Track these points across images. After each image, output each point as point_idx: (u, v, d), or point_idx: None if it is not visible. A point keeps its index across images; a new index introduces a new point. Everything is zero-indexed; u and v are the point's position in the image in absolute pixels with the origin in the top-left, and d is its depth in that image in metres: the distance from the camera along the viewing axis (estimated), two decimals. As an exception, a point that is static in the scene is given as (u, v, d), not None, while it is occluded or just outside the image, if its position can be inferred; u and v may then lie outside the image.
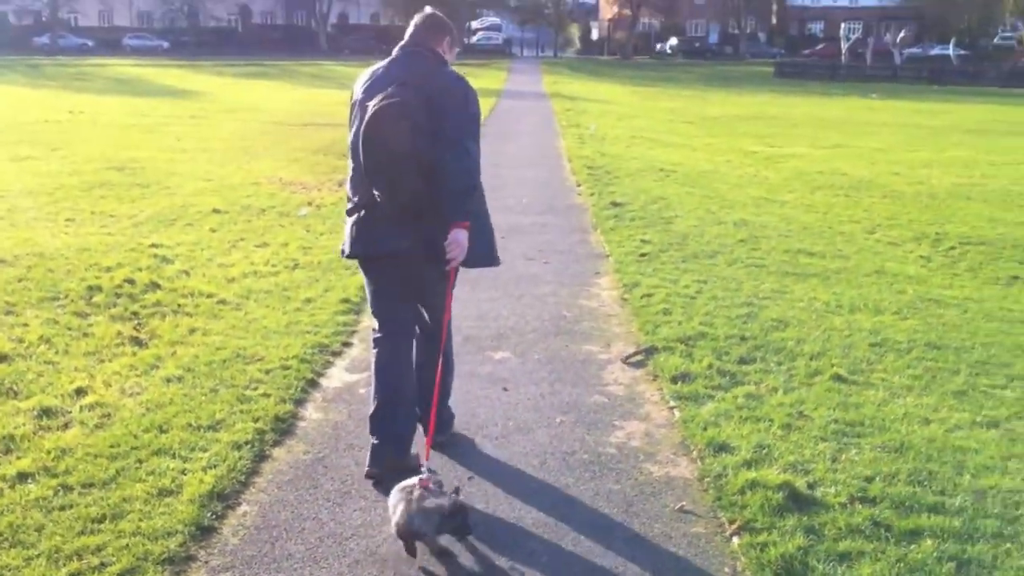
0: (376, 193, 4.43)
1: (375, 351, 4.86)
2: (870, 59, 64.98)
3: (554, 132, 23.29)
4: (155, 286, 7.90)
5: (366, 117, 4.36)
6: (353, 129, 4.56)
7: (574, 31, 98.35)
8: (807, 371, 6.17)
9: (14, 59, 60.27)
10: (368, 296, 4.93)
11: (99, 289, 7.71)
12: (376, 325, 4.87)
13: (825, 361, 6.36)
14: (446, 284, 4.63)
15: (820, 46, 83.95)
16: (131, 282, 7.93)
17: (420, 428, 4.91)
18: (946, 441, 5.13)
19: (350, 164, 4.69)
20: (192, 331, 6.76)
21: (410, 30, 4.70)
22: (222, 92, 37.01)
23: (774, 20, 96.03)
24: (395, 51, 4.70)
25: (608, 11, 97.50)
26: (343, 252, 4.80)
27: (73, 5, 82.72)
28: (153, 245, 9.40)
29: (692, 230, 10.90)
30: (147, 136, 20.04)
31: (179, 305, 7.42)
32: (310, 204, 12.13)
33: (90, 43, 78.44)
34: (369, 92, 4.50)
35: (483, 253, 4.66)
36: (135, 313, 7.20)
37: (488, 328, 7.13)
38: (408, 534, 3.91)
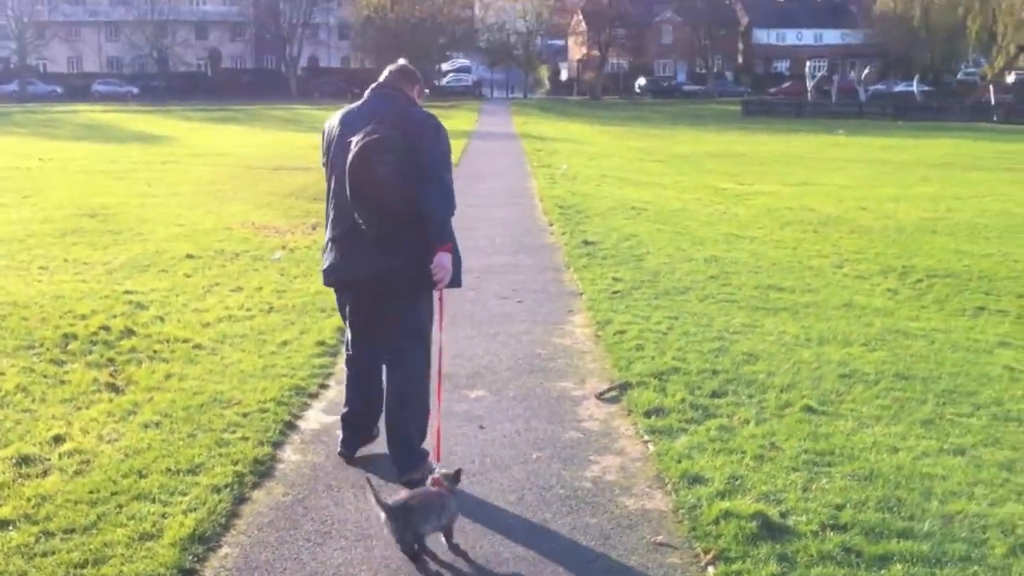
0: (360, 221, 4.80)
1: (347, 367, 5.42)
2: (835, 96, 65.91)
3: (525, 172, 23.50)
4: (130, 332, 7.92)
5: (352, 151, 4.72)
6: (332, 164, 5.00)
7: (544, 72, 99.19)
8: (778, 403, 6.27)
9: (-17, 107, 60.13)
10: (347, 316, 5.34)
11: (74, 337, 7.72)
12: (349, 343, 5.36)
13: (795, 393, 6.48)
14: (422, 306, 5.11)
15: (786, 84, 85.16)
16: (106, 329, 7.95)
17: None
18: (914, 469, 5.23)
19: (329, 197, 5.08)
20: (168, 376, 6.79)
21: (384, 75, 5.14)
22: (192, 137, 37.09)
23: (740, 59, 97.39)
24: (367, 93, 5.11)
25: (577, 52, 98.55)
26: (325, 280, 5.22)
27: (42, 52, 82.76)
28: (127, 292, 9.42)
29: (663, 267, 11.04)
30: (118, 182, 20.06)
31: (155, 351, 7.45)
32: (283, 248, 12.19)
33: (59, 89, 78.41)
34: (349, 129, 4.89)
35: (455, 273, 5.01)
36: (111, 360, 7.21)
37: (463, 366, 7.20)
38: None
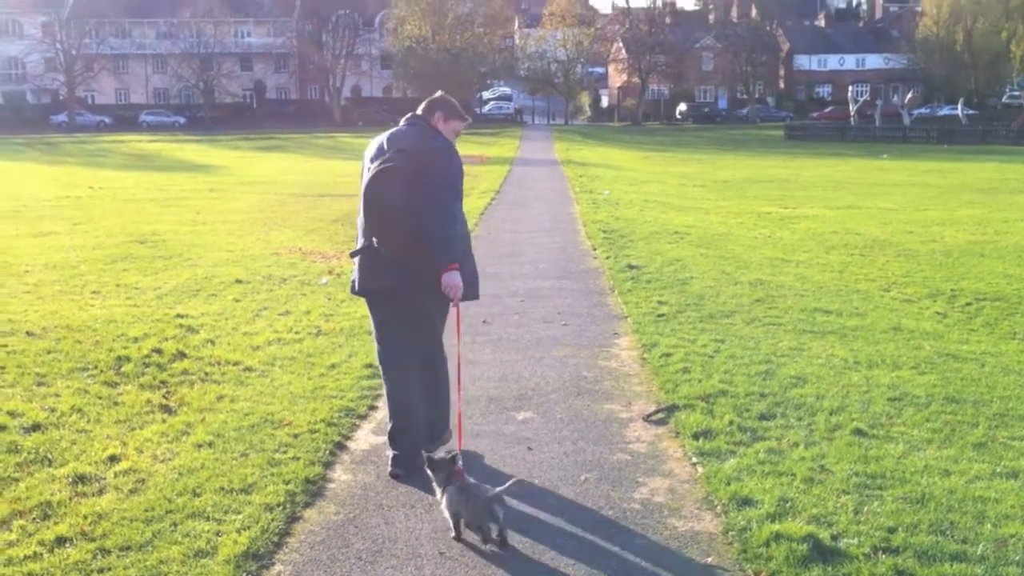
0: (374, 239, 5.32)
1: (385, 380, 5.75)
2: (879, 120, 65.52)
3: (568, 198, 23.56)
4: (182, 355, 8.04)
5: (368, 176, 5.30)
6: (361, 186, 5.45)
7: (584, 99, 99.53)
8: (827, 426, 6.24)
9: (33, 138, 61.36)
10: (374, 330, 5.82)
11: (127, 359, 7.86)
12: (381, 354, 5.74)
13: (845, 416, 6.43)
14: (441, 318, 5.69)
15: (828, 109, 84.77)
16: (158, 352, 8.07)
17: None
18: (967, 492, 5.18)
19: (360, 216, 5.55)
20: (220, 398, 6.88)
21: (425, 109, 5.65)
22: (239, 165, 37.59)
23: (782, 84, 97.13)
24: (402, 122, 5.66)
25: (618, 79, 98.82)
26: (352, 288, 5.73)
27: (90, 84, 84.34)
28: (178, 315, 9.57)
29: (708, 291, 11.02)
30: (167, 210, 20.38)
31: (206, 373, 7.56)
32: (330, 273, 12.31)
33: (107, 120, 79.93)
34: (375, 156, 5.42)
35: (472, 286, 5.55)
36: (163, 382, 7.33)
37: (510, 389, 7.23)
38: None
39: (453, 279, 5.28)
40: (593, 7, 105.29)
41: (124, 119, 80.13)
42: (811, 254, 14.29)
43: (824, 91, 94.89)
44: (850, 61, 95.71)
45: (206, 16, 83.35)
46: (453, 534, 4.72)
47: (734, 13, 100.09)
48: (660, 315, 9.70)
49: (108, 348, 8.18)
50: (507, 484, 4.78)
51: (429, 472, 4.91)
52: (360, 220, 5.54)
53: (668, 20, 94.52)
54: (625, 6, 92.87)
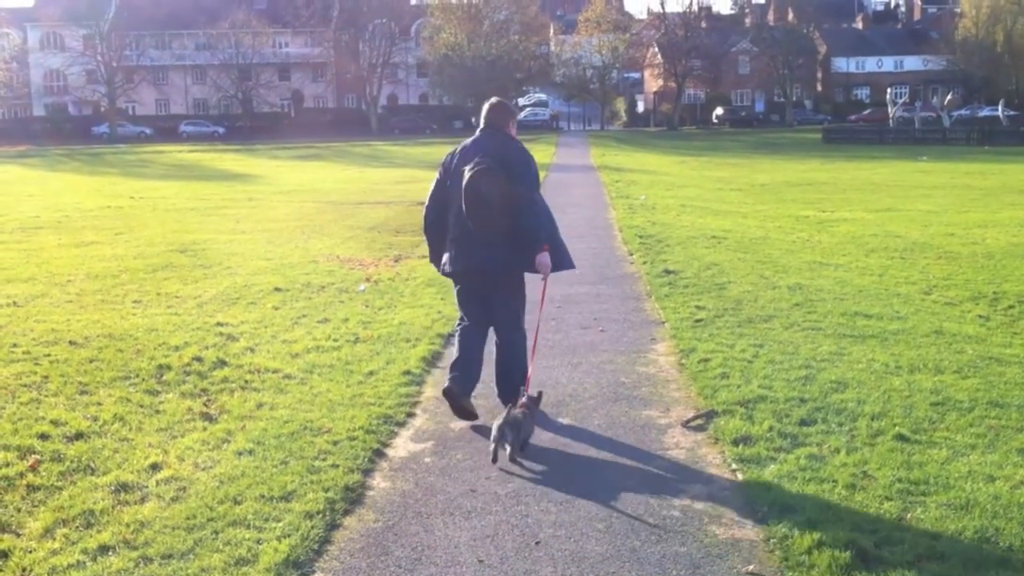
0: (473, 226, 6.38)
1: (458, 332, 6.86)
2: (918, 122, 64.87)
3: (604, 203, 23.54)
4: (222, 363, 8.11)
5: (466, 177, 6.33)
6: (451, 186, 6.58)
7: (620, 104, 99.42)
8: (869, 431, 6.17)
9: (75, 149, 62.22)
10: (456, 297, 6.97)
11: (168, 368, 7.93)
12: (460, 316, 6.91)
13: (887, 421, 6.36)
14: (517, 290, 6.78)
15: (867, 111, 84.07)
16: (199, 360, 8.15)
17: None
18: (1012, 498, 5.10)
19: (426, 211, 6.92)
20: (260, 406, 6.93)
21: (486, 114, 6.72)
22: (277, 174, 37.89)
23: (819, 87, 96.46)
24: (478, 132, 6.72)
25: (653, 84, 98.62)
26: (443, 271, 6.81)
27: (131, 95, 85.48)
28: (218, 324, 9.65)
29: (746, 295, 10.95)
30: (207, 219, 20.58)
31: (246, 381, 7.61)
32: (368, 280, 12.37)
33: (148, 131, 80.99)
34: (463, 159, 6.54)
35: (563, 260, 6.73)
36: (204, 390, 7.39)
37: (548, 395, 7.21)
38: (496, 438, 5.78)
39: (544, 259, 6.44)
40: (628, 12, 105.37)
41: (164, 130, 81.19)
42: (850, 257, 14.16)
43: (862, 93, 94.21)
44: (888, 63, 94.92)
45: (244, 27, 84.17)
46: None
47: (770, 16, 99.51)
48: (698, 320, 9.65)
49: (149, 356, 8.27)
50: (520, 406, 6.02)
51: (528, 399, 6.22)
52: (438, 216, 6.76)
53: (704, 24, 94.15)
54: (660, 11, 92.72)
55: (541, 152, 47.55)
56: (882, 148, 54.47)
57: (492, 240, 6.41)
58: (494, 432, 5.78)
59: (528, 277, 6.78)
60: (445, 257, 6.72)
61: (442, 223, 6.74)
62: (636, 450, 6.06)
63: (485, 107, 6.78)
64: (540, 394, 6.49)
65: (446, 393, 6.56)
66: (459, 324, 6.92)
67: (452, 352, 6.96)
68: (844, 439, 6.05)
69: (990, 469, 5.54)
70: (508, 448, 5.73)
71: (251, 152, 56.66)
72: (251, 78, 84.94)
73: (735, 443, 6.01)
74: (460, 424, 6.60)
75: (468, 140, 6.73)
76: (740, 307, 10.29)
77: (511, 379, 6.66)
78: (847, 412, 6.58)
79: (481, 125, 6.74)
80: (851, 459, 5.68)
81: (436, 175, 6.78)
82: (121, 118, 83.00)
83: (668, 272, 12.57)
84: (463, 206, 6.36)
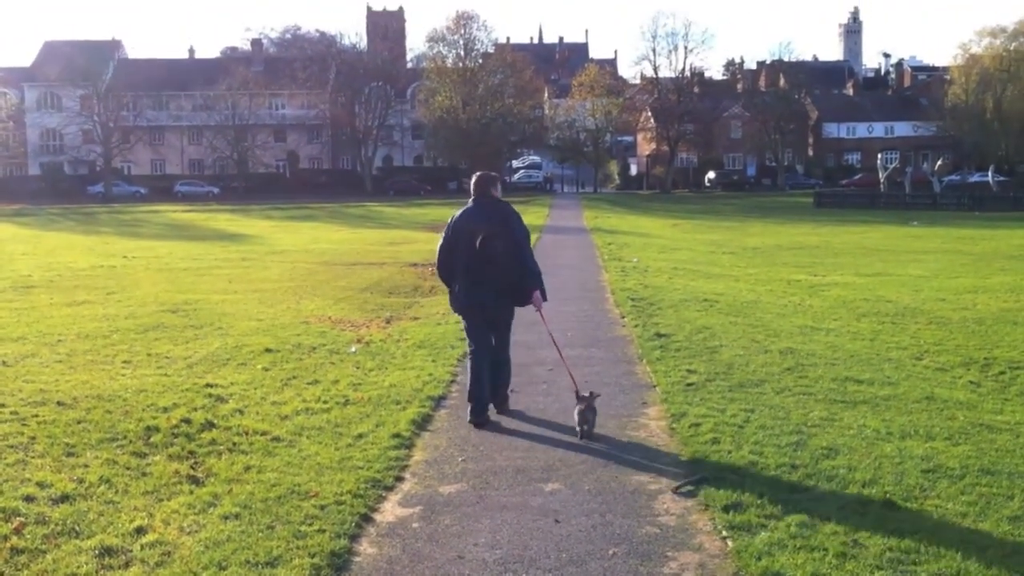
0: (484, 276, 8.29)
1: (470, 358, 8.61)
2: (909, 187, 65.39)
3: (596, 265, 23.60)
4: (210, 425, 8.06)
5: (479, 238, 8.22)
6: (460, 244, 8.35)
7: (613, 167, 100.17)
8: (860, 498, 6.14)
9: (69, 208, 62.41)
10: (465, 328, 8.82)
11: (156, 429, 7.88)
12: (470, 344, 8.66)
13: (878, 488, 6.33)
14: (510, 322, 8.79)
15: (858, 176, 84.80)
16: (187, 422, 8.10)
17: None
18: (1004, 568, 5.06)
19: (438, 264, 8.78)
20: (247, 468, 6.88)
21: (475, 185, 8.56)
22: (271, 235, 38.00)
23: (811, 152, 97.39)
24: (471, 201, 8.52)
25: (646, 147, 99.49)
26: (453, 307, 8.81)
27: (127, 155, 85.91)
28: (208, 385, 9.61)
29: (738, 359, 10.94)
30: (199, 279, 20.59)
31: (234, 443, 7.57)
32: (359, 341, 12.35)
33: (143, 191, 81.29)
34: (469, 223, 8.37)
35: (543, 294, 8.53)
36: (192, 452, 7.34)
37: (538, 459, 7.18)
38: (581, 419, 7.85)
39: (538, 297, 8.39)
40: (622, 77, 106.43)
41: (159, 189, 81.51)
42: (842, 322, 14.18)
43: (853, 158, 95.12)
44: (879, 129, 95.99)
45: (242, 89, 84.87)
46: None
47: (762, 82, 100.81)
48: (689, 384, 9.63)
49: (138, 418, 8.22)
50: (591, 397, 7.96)
51: (578, 396, 7.98)
52: (457, 266, 8.44)
53: (696, 89, 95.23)
54: (653, 76, 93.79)
55: (534, 214, 47.79)
56: (873, 212, 54.87)
57: (493, 284, 8.32)
58: (577, 417, 7.83)
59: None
60: (452, 298, 8.67)
61: (450, 269, 8.60)
62: (626, 516, 6.02)
63: (472, 180, 8.62)
64: (591, 395, 8.05)
65: (473, 424, 8.29)
66: (470, 350, 8.67)
67: (466, 378, 8.64)
68: (835, 506, 6.01)
69: (982, 538, 5.50)
70: (587, 427, 7.79)
71: (245, 212, 56.84)
72: (247, 139, 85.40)
73: (726, 509, 5.97)
74: (449, 489, 6.56)
75: (468, 205, 8.51)
76: (731, 371, 10.28)
77: (500, 390, 8.69)
78: (838, 479, 6.55)
79: (473, 195, 8.50)
80: (842, 527, 5.65)
81: (443, 234, 8.61)
82: (116, 178, 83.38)
83: (660, 335, 12.57)
84: (478, 259, 8.25)
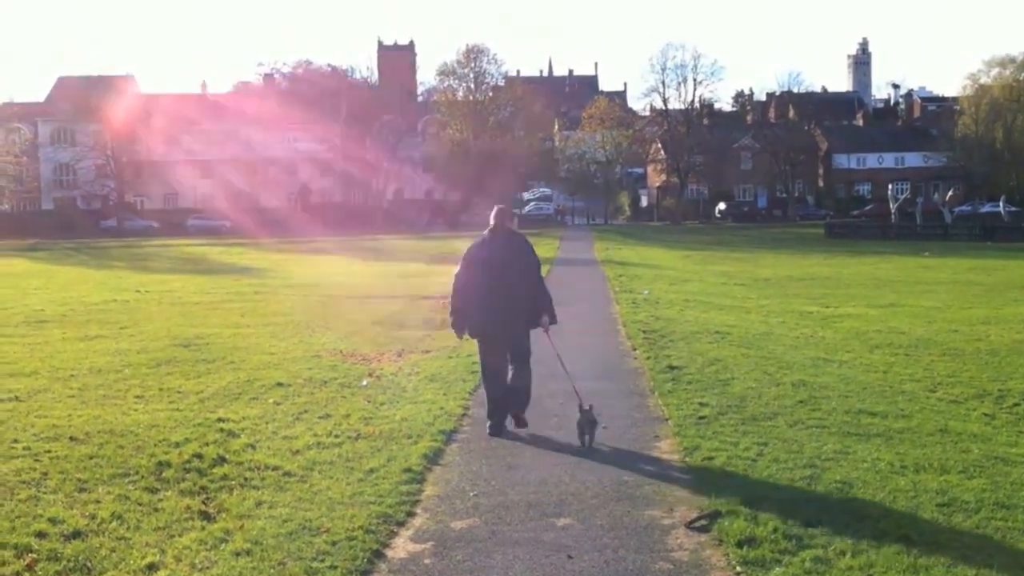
0: (502, 300, 9.02)
1: (484, 379, 9.49)
2: (920, 218, 65.33)
3: (608, 298, 23.59)
4: (222, 460, 8.06)
5: (497, 265, 9.03)
6: (479, 271, 9.09)
7: (624, 199, 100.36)
8: (874, 533, 6.10)
9: (82, 242, 62.73)
10: (479, 350, 9.49)
11: (168, 465, 7.88)
12: (483, 365, 9.44)
13: (892, 522, 6.29)
14: (527, 338, 9.30)
15: (869, 207, 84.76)
16: (199, 457, 8.10)
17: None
18: (1022, 603, 5.02)
19: (455, 290, 9.35)
20: (259, 504, 6.87)
21: (495, 217, 9.29)
22: (283, 268, 38.11)
23: (821, 183, 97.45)
24: (488, 232, 9.26)
25: (656, 179, 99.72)
26: (470, 333, 9.38)
27: (139, 189, 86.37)
28: (219, 419, 9.61)
29: (750, 392, 10.90)
30: (211, 312, 20.63)
31: (246, 478, 7.56)
32: (370, 375, 12.35)
33: (155, 224, 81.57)
34: (489, 252, 9.15)
35: (552, 317, 9.42)
36: (203, 488, 7.34)
37: (550, 493, 7.16)
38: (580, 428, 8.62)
39: (545, 321, 9.28)
40: (632, 109, 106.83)
41: (172, 223, 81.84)
42: (854, 354, 14.14)
43: (864, 189, 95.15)
44: (889, 159, 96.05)
45: (253, 124, 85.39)
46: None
47: (771, 113, 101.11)
48: (701, 417, 9.61)
49: (150, 453, 8.23)
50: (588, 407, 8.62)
51: (581, 411, 8.63)
52: (465, 292, 9.21)
53: (706, 121, 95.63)
54: (663, 108, 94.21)
55: (546, 246, 47.83)
56: (884, 243, 54.78)
57: (507, 308, 9.07)
58: (577, 429, 8.58)
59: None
60: (470, 321, 9.29)
61: (467, 295, 9.22)
62: (639, 552, 5.99)
63: (492, 212, 9.38)
64: (591, 407, 8.68)
65: (492, 435, 9.08)
66: (483, 372, 9.48)
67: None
68: (849, 541, 5.97)
69: (997, 573, 5.45)
70: (588, 438, 8.51)
71: (257, 246, 57.05)
72: (259, 173, 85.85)
73: (739, 545, 5.94)
74: (461, 524, 6.55)
75: (485, 235, 9.27)
76: (744, 404, 10.24)
77: (519, 399, 9.22)
78: (852, 513, 6.51)
79: (491, 225, 9.27)
80: (856, 562, 5.61)
81: (461, 262, 9.30)
82: (129, 212, 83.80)
83: (671, 368, 12.54)
84: (489, 288, 9.00)
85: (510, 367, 9.29)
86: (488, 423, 9.20)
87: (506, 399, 9.22)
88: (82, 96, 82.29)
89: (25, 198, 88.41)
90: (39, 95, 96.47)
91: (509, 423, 9.25)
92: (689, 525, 6.45)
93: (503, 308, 9.04)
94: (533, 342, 9.44)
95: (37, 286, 29.42)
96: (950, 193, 71.21)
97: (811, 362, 13.26)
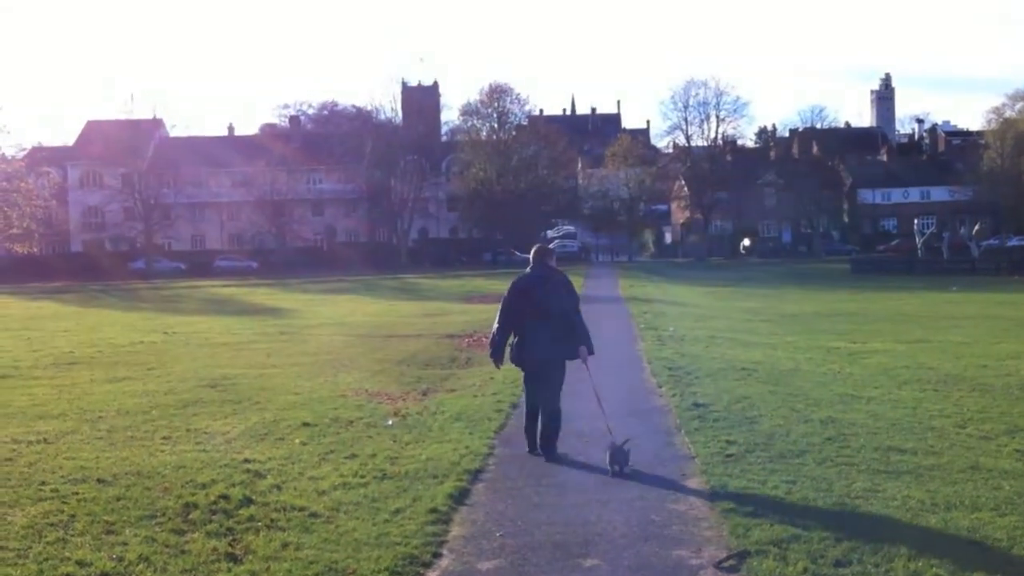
0: (543, 331, 9.68)
1: (525, 402, 10.25)
2: (946, 252, 64.92)
3: (633, 335, 23.53)
4: (249, 501, 8.07)
5: (541, 299, 9.70)
6: (523, 303, 9.80)
7: (647, 235, 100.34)
8: (906, 572, 6.02)
9: (111, 284, 63.29)
10: (524, 379, 10.22)
11: (195, 506, 7.90)
12: (525, 390, 10.22)
13: (924, 562, 6.21)
14: (561, 379, 9.93)
15: (895, 242, 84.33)
16: (226, 498, 8.11)
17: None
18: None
19: (499, 321, 10.01)
20: (285, 545, 6.87)
21: (535, 255, 10.15)
22: (309, 308, 38.26)
23: (846, 218, 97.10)
24: (530, 269, 10.06)
25: (680, 215, 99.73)
26: (512, 360, 10.07)
27: (167, 231, 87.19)
28: (246, 460, 9.63)
29: (778, 429, 10.83)
30: (238, 353, 20.73)
31: (272, 519, 7.56)
32: (396, 414, 12.35)
33: (183, 266, 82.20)
34: (533, 286, 9.85)
35: (591, 348, 10.01)
36: (230, 529, 7.34)
37: (576, 534, 7.11)
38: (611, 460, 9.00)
39: (584, 351, 9.80)
40: (654, 146, 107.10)
41: (199, 264, 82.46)
42: (882, 390, 14.01)
43: (889, 224, 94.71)
44: (914, 194, 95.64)
45: (280, 165, 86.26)
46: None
47: (794, 149, 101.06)
48: (729, 455, 9.54)
49: (177, 495, 8.25)
50: (623, 443, 9.06)
51: (612, 444, 9.08)
52: (507, 324, 9.94)
53: (729, 157, 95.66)
54: (686, 145, 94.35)
55: (570, 284, 47.79)
56: (911, 278, 54.40)
57: (547, 339, 9.67)
58: (608, 459, 9.00)
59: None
60: (512, 352, 9.99)
61: (510, 327, 9.94)
62: (667, 592, 5.93)
63: (533, 251, 10.26)
64: (626, 442, 9.13)
65: (530, 453, 9.91)
66: (525, 396, 10.28)
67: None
68: (881, 580, 5.89)
69: (1033, 613, 5.37)
70: (618, 467, 8.89)
71: (284, 286, 57.35)
72: (285, 213, 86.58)
73: (768, 585, 5.87)
74: (487, 565, 6.53)
75: (527, 272, 10.06)
76: (772, 441, 10.17)
77: (550, 438, 9.79)
78: (883, 552, 6.43)
79: (531, 263, 10.08)
80: (888, 602, 5.53)
81: (505, 296, 10.02)
82: (157, 254, 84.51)
83: (698, 405, 12.48)
84: (531, 320, 9.72)
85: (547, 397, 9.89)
86: (540, 452, 9.82)
87: (544, 427, 9.86)
88: (111, 140, 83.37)
89: (54, 241, 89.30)
90: (68, 139, 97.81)
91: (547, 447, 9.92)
92: (718, 565, 6.39)
93: (543, 340, 9.68)
94: (569, 373, 10.04)
95: (66, 328, 29.67)
96: (977, 227, 70.76)
97: (839, 399, 13.15)
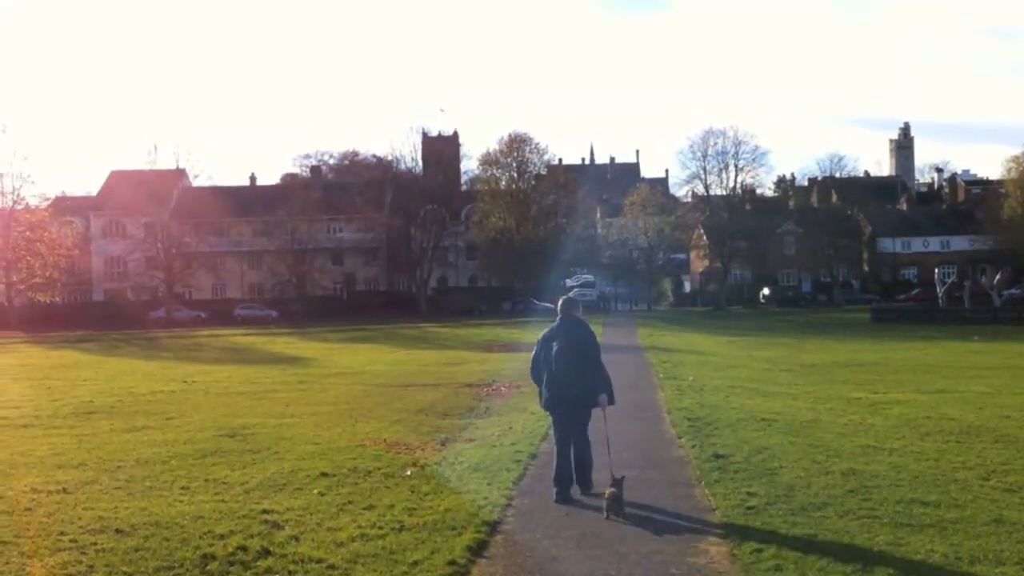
0: (568, 377, 10.25)
1: (557, 449, 10.51)
2: (968, 302, 64.55)
3: (652, 385, 23.44)
4: (266, 552, 8.05)
5: (563, 350, 10.28)
6: (540, 352, 10.59)
7: (666, 284, 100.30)
8: (930, 628, 5.94)
9: (131, 333, 63.61)
10: (553, 422, 10.83)
11: (213, 557, 7.89)
12: (555, 435, 10.70)
13: (948, 617, 6.13)
14: (589, 416, 10.59)
15: (915, 291, 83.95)
16: (244, 549, 8.10)
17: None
18: None
19: (532, 368, 10.81)
20: (303, 597, 6.84)
21: (563, 307, 10.76)
22: (328, 357, 38.31)
23: (866, 267, 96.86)
24: (558, 319, 10.65)
25: (699, 264, 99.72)
26: (543, 405, 10.76)
27: (188, 280, 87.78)
28: (264, 511, 9.62)
29: (799, 481, 10.74)
30: (257, 403, 20.76)
31: (290, 572, 7.54)
32: (415, 464, 12.32)
33: (203, 315, 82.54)
34: (556, 337, 10.43)
35: (611, 397, 10.71)
36: (247, 580, 7.32)
37: (596, 588, 7.05)
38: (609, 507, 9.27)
39: (603, 399, 10.43)
40: (673, 195, 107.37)
41: (219, 313, 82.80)
42: (905, 441, 13.89)
43: (910, 273, 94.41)
44: (935, 243, 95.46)
45: (300, 214, 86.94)
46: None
47: (814, 198, 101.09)
48: (749, 508, 9.47)
49: (195, 546, 8.24)
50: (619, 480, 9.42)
51: (614, 481, 9.39)
52: (532, 372, 10.80)
53: (748, 207, 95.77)
54: (705, 194, 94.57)
55: (589, 333, 47.70)
56: (932, 328, 54.02)
57: (572, 385, 10.25)
58: (604, 504, 9.35)
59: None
60: (542, 398, 10.62)
61: (540, 373, 10.58)
62: (687, 647, 5.87)
63: (560, 302, 10.91)
64: (623, 477, 9.58)
65: (558, 502, 10.04)
66: (555, 441, 10.67)
67: (551, 458, 10.72)
68: (904, 637, 5.82)
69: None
70: (614, 512, 9.21)
71: (303, 335, 57.52)
72: (305, 262, 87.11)
73: (790, 640, 5.80)
74: (505, 618, 6.46)
75: (556, 323, 10.64)
76: (793, 494, 10.09)
77: (585, 473, 10.45)
78: (906, 607, 6.35)
79: (559, 314, 10.69)
80: (912, 659, 5.45)
81: (536, 345, 10.69)
82: (178, 303, 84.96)
83: (717, 456, 12.40)
84: (557, 367, 10.27)
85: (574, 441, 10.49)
86: (554, 491, 10.21)
87: (571, 470, 10.40)
88: (134, 190, 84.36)
89: (77, 290, 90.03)
90: (92, 188, 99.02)
91: (575, 491, 10.34)
92: (738, 620, 6.32)
93: (569, 386, 10.26)
94: (590, 421, 10.57)
95: (87, 377, 29.80)
96: (998, 276, 70.38)
97: (860, 450, 13.04)
